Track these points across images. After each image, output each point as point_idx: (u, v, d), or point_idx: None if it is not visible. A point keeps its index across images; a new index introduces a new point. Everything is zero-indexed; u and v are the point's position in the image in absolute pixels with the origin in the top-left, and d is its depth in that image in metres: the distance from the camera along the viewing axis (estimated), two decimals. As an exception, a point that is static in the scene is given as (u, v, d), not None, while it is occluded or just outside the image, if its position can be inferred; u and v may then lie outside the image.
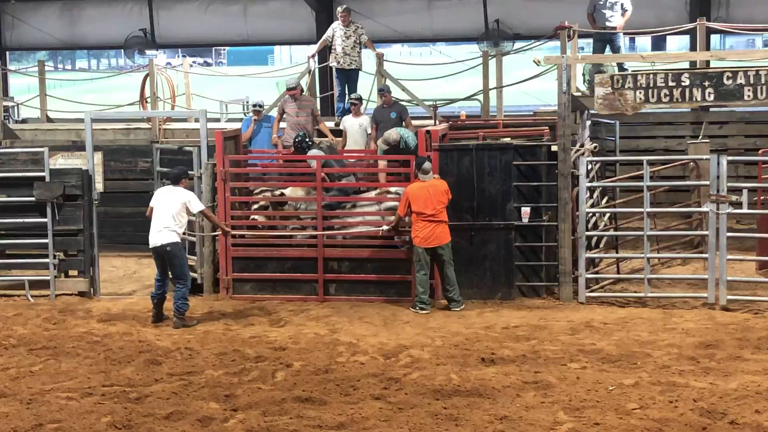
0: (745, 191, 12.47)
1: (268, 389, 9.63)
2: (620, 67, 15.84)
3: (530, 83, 17.60)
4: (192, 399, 9.37)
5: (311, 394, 9.41)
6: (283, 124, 15.32)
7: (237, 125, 16.05)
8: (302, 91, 15.85)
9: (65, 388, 9.74)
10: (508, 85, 17.89)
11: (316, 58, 18.16)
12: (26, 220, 13.91)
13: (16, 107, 22.85)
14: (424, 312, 12.58)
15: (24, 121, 22.24)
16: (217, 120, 20.93)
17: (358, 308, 12.90)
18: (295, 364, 10.41)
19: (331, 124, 16.56)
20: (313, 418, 8.76)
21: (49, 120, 20.50)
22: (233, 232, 13.37)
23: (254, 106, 15.68)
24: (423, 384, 9.63)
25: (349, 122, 15.41)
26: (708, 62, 16.85)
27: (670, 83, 12.71)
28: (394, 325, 12.08)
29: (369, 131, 15.18)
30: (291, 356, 10.73)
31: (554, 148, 13.09)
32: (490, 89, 17.64)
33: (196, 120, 16.85)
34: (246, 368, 10.32)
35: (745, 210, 12.71)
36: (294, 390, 9.55)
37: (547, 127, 14.39)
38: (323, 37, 17.26)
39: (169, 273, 12.36)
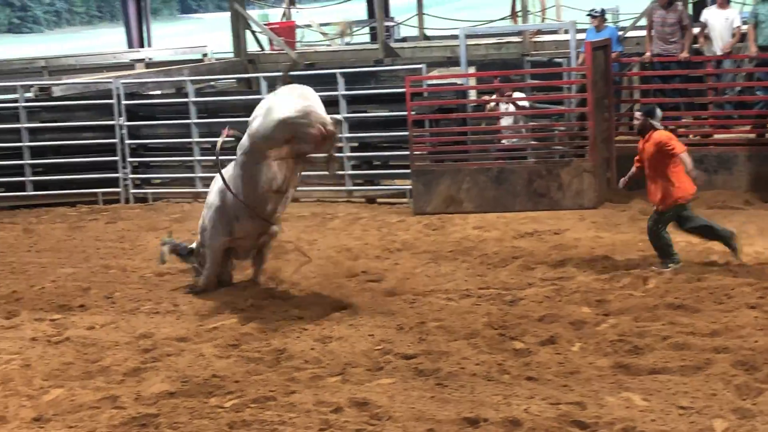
0: None
1: (639, 296, 9.71)
2: None
3: None
4: (564, 303, 9.64)
5: (684, 301, 9.37)
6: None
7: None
8: (671, -2, 15.06)
9: (444, 290, 10.32)
10: None
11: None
12: (407, 133, 14.72)
13: (396, 27, 23.97)
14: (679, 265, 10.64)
15: (404, 39, 23.28)
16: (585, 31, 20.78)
17: (731, 217, 12.51)
18: (666, 272, 10.40)
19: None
20: (685, 325, 8.73)
21: (426, 38, 21.32)
22: None
23: (590, 11, 15.11)
24: (802, 295, 9.31)
25: (712, 15, 14.39)
26: None
27: None
28: (771, 234, 11.64)
29: (736, 25, 14.24)
30: (663, 264, 10.71)
31: None
32: None
33: (566, 32, 16.89)
34: (617, 275, 10.43)
35: None
36: (666, 297, 9.55)
37: None
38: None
39: None
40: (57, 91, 16.69)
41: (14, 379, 8.28)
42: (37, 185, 16.08)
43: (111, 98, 15.88)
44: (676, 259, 10.49)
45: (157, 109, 16.79)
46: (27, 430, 7.30)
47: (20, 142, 15.94)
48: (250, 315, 9.74)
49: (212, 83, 19.68)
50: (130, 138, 15.95)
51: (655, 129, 10.47)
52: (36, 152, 16.12)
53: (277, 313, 9.73)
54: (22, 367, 8.56)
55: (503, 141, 14.54)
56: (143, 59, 22.30)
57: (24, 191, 16.02)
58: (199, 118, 15.74)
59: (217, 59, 22.17)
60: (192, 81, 16.24)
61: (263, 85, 15.43)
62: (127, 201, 15.91)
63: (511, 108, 14.41)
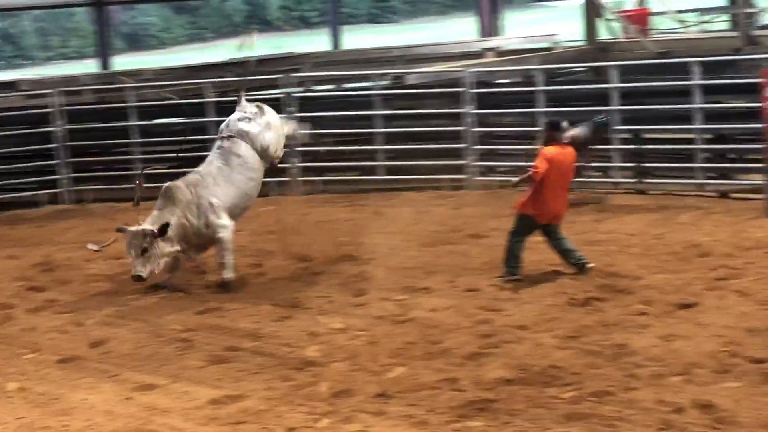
0: None
1: None
2: None
3: None
4: None
5: None
6: None
7: None
8: None
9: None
10: None
11: None
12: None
13: (760, 13, 22.72)
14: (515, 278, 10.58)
15: (767, 26, 22.04)
16: None
17: None
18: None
19: None
20: None
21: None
22: None
23: None
24: None
25: None
26: None
27: None
28: None
29: None
30: None
31: None
32: None
33: None
34: None
35: None
36: None
37: None
38: None
39: None
40: (410, 80, 17.22)
41: (361, 354, 8.65)
42: (388, 170, 16.70)
43: (461, 87, 16.18)
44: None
45: (505, 97, 16.93)
46: (371, 405, 7.59)
47: (373, 128, 16.62)
48: (591, 308, 9.59)
49: (562, 71, 19.54)
50: (478, 126, 16.19)
51: (558, 142, 10.51)
52: (388, 138, 16.75)
53: (619, 307, 9.53)
54: (369, 344, 8.93)
55: None
56: (494, 48, 22.56)
57: (376, 175, 16.70)
58: (547, 107, 15.69)
59: (567, 47, 22.01)
60: (541, 70, 16.19)
61: (614, 74, 15.13)
62: (472, 188, 16.17)
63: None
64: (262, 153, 11.76)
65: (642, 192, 14.95)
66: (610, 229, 12.86)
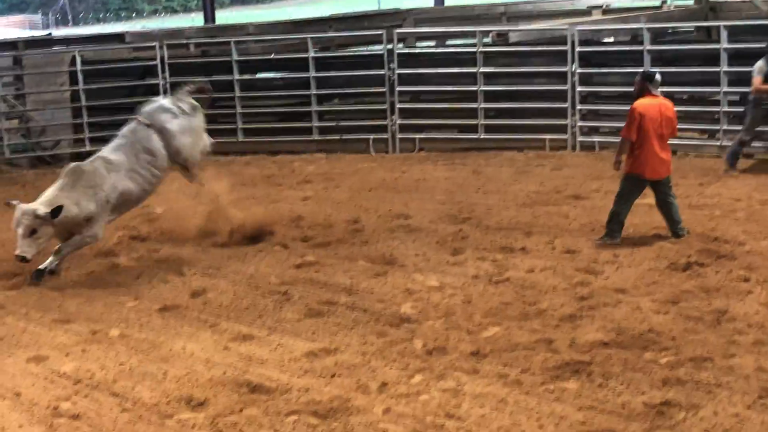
0: None
1: None
2: None
3: None
4: None
5: None
6: None
7: None
8: None
9: None
10: None
11: None
12: None
13: None
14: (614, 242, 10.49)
15: None
16: None
17: None
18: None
19: None
20: None
21: None
22: None
23: None
24: None
25: None
26: None
27: None
28: None
29: None
30: None
31: None
32: None
33: None
34: None
35: None
36: None
37: None
38: None
39: None
40: (513, 37, 17.00)
41: (456, 313, 8.64)
42: (489, 129, 16.56)
43: (565, 45, 15.92)
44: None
45: (610, 56, 16.62)
46: (465, 363, 7.58)
47: (475, 85, 16.47)
48: (692, 272, 9.40)
49: (670, 30, 19.08)
50: (581, 85, 15.94)
51: (652, 94, 10.42)
52: (489, 96, 16.59)
53: (721, 273, 9.32)
54: (464, 303, 8.91)
55: None
56: (601, 6, 22.13)
57: (476, 134, 16.58)
58: (653, 66, 15.33)
59: (676, 6, 21.48)
60: (648, 29, 15.83)
61: (723, 34, 14.71)
62: (573, 148, 15.96)
63: None
64: (172, 155, 11.00)
65: (749, 156, 14.56)
66: (715, 193, 12.57)
